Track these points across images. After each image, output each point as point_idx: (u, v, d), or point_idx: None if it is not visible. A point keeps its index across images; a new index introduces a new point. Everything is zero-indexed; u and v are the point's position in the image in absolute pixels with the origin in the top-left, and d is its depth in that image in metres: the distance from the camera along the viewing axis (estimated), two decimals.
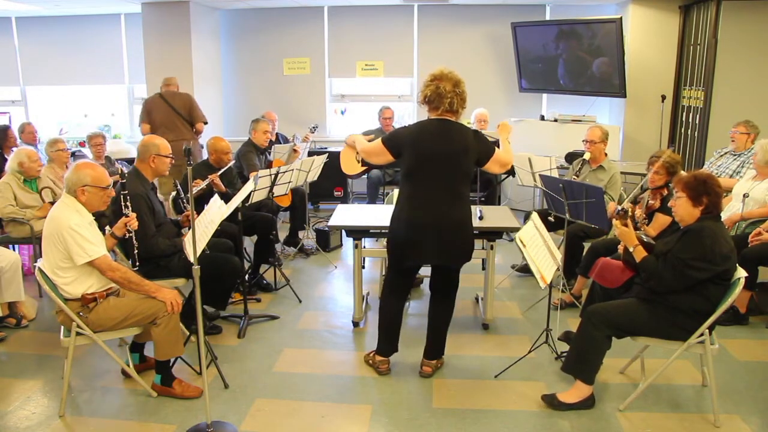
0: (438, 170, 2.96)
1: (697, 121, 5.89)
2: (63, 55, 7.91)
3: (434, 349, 3.30)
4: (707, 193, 2.71)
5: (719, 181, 2.82)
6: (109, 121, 8.13)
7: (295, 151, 5.73)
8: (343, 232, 5.32)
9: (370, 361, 3.37)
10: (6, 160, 4.91)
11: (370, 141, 3.26)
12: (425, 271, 3.64)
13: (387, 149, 3.06)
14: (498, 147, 3.20)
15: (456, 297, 3.28)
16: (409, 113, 7.62)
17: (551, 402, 2.91)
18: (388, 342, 3.31)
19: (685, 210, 2.77)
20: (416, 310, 4.24)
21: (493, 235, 3.75)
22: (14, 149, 4.95)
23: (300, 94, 7.70)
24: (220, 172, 4.26)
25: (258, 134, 5.25)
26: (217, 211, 2.97)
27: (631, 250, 2.86)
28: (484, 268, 3.98)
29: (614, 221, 2.94)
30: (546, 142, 6.55)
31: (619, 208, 2.95)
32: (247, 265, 4.58)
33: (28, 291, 4.02)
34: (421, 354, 3.33)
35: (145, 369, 3.23)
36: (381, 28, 7.44)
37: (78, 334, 2.85)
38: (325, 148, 7.13)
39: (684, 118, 6.24)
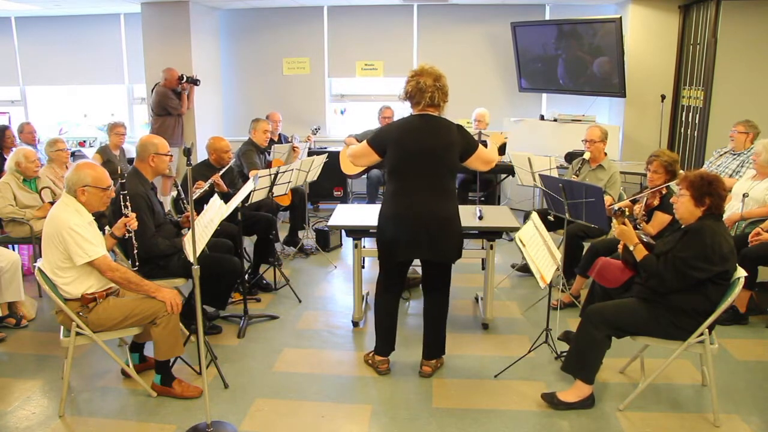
0: (422, 166, 2.97)
1: (696, 121, 5.89)
2: (63, 55, 7.91)
3: (433, 348, 3.30)
4: (710, 195, 2.71)
5: (725, 184, 2.82)
6: (108, 121, 8.11)
7: (294, 149, 5.74)
8: (343, 232, 5.32)
9: (370, 361, 3.37)
10: (5, 160, 4.91)
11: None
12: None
13: (372, 149, 3.06)
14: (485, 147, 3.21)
15: (450, 294, 3.27)
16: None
17: (551, 400, 2.91)
18: (385, 341, 3.31)
19: (686, 209, 2.77)
20: (416, 309, 4.24)
21: (492, 235, 3.74)
22: (13, 149, 4.95)
23: (300, 94, 7.70)
24: (221, 172, 4.27)
25: (258, 133, 5.26)
26: (216, 211, 2.97)
27: (631, 248, 2.86)
28: (484, 268, 3.97)
29: (613, 221, 2.94)
30: (546, 142, 6.55)
31: (616, 207, 2.95)
32: (246, 265, 4.57)
33: (28, 291, 4.02)
34: (420, 353, 3.32)
35: (145, 369, 3.23)
36: (381, 28, 7.44)
37: (78, 334, 2.85)
38: (325, 148, 7.13)
39: (684, 118, 6.24)
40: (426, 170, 2.97)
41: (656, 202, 3.76)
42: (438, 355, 3.33)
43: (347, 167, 5.41)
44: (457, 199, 3.10)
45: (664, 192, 3.74)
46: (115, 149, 5.46)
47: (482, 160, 3.10)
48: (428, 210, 2.97)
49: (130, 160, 5.77)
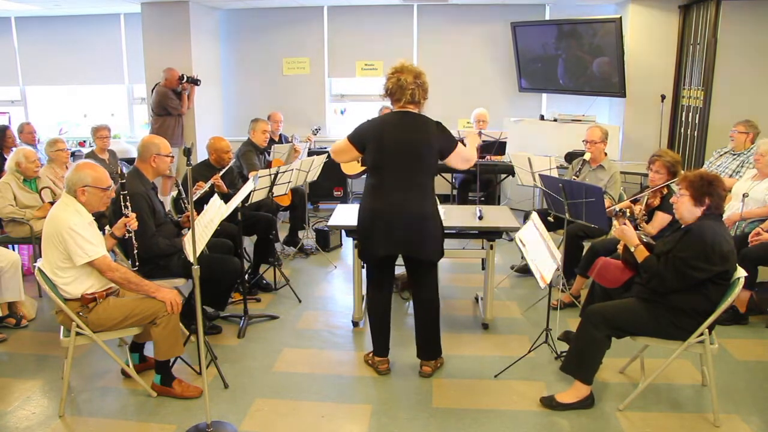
0: (400, 162, 2.98)
1: (696, 121, 5.89)
2: (63, 55, 7.91)
3: (427, 349, 3.27)
4: (710, 195, 2.71)
5: (725, 184, 2.82)
6: (108, 121, 8.11)
7: (295, 150, 5.74)
8: (343, 232, 5.32)
9: (370, 362, 3.37)
10: (6, 160, 4.91)
11: None
12: None
13: (352, 145, 3.08)
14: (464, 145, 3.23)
15: (440, 294, 3.24)
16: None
17: (549, 404, 2.91)
18: (382, 340, 3.30)
19: (686, 208, 2.77)
20: None
21: (492, 235, 3.74)
22: (14, 149, 4.95)
23: (299, 94, 7.70)
24: (221, 172, 4.27)
25: (257, 134, 5.26)
26: (216, 211, 2.97)
27: (632, 249, 2.86)
28: (484, 268, 3.97)
29: (613, 222, 2.94)
30: (546, 142, 6.54)
31: (617, 209, 2.94)
32: (246, 265, 4.57)
33: (28, 291, 4.02)
34: None
35: (145, 369, 3.23)
36: (381, 28, 7.44)
37: (78, 334, 2.85)
38: (325, 148, 7.11)
39: (684, 118, 6.24)
40: (404, 167, 2.99)
41: (657, 202, 3.76)
42: (434, 357, 3.30)
43: (347, 167, 5.41)
44: (434, 196, 3.11)
45: (664, 192, 3.74)
46: (102, 153, 5.42)
47: (462, 158, 3.11)
48: (404, 206, 2.98)
49: (130, 160, 5.79)
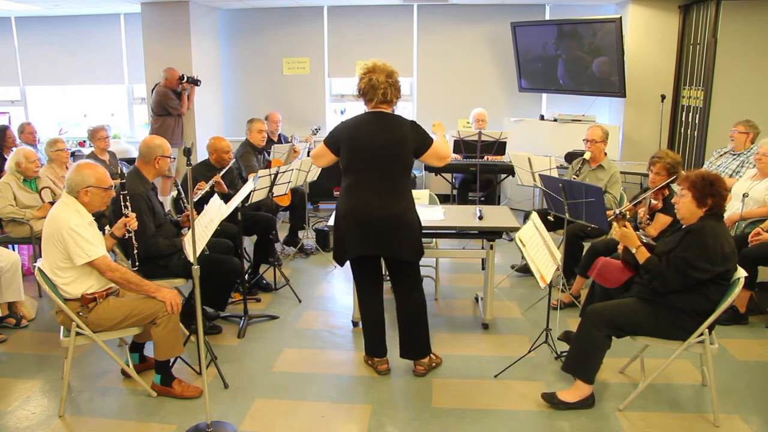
0: (374, 162, 2.98)
1: (696, 121, 5.89)
2: (63, 55, 7.91)
3: (412, 348, 3.24)
4: (712, 195, 2.70)
5: (726, 184, 2.82)
6: (108, 121, 8.11)
7: (295, 150, 5.74)
8: None
9: (369, 362, 3.36)
10: (6, 160, 4.91)
11: None
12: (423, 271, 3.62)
13: (328, 148, 3.07)
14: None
15: (421, 293, 3.22)
16: (407, 113, 7.61)
17: (551, 400, 2.91)
18: (375, 342, 3.29)
19: (688, 209, 2.76)
20: None
21: (492, 235, 3.74)
22: (14, 149, 4.95)
23: (299, 94, 7.70)
24: (222, 172, 4.27)
25: (254, 134, 5.26)
26: (216, 212, 2.97)
27: (633, 251, 2.86)
28: (484, 268, 3.97)
29: (614, 224, 2.94)
30: (546, 142, 6.55)
31: (617, 211, 2.94)
32: (246, 265, 4.57)
33: (28, 291, 4.02)
34: None
35: (145, 369, 3.23)
36: (381, 28, 7.44)
37: (78, 334, 2.86)
38: None
39: (684, 118, 6.24)
40: (377, 167, 2.98)
41: (660, 204, 3.75)
42: (421, 356, 3.27)
43: None
44: (410, 196, 3.09)
45: (666, 193, 3.74)
46: (102, 154, 5.37)
47: (438, 156, 3.09)
48: (379, 207, 2.97)
49: (130, 160, 5.78)
